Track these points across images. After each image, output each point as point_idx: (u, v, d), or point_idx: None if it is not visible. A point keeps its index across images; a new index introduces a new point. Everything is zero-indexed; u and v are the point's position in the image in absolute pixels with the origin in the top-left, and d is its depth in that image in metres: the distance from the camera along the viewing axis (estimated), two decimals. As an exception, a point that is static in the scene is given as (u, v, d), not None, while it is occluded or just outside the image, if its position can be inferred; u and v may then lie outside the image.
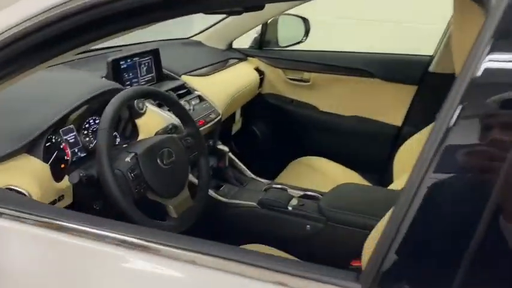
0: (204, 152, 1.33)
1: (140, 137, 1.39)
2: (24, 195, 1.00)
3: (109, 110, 1.07)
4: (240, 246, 1.39)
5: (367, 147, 2.11)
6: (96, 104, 1.27)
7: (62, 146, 1.21)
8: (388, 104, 2.05)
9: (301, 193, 1.60)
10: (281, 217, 1.46)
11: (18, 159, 1.05)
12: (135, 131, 1.41)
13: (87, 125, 1.28)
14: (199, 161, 1.32)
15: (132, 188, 1.07)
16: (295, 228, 1.45)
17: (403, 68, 2.03)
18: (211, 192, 1.55)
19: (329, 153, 1.99)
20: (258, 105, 2.29)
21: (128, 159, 1.10)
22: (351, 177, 1.85)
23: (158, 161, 1.15)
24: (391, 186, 1.59)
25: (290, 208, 1.46)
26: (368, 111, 2.10)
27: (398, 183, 1.56)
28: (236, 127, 2.22)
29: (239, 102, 2.07)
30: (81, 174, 1.06)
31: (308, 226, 1.42)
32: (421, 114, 1.97)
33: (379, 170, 2.03)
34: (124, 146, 1.28)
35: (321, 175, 1.88)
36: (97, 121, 1.28)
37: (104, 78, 1.51)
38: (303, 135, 2.26)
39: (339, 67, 2.09)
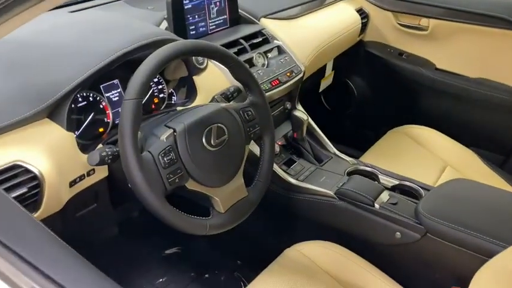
0: (270, 128, 1.04)
1: (197, 100, 1.14)
2: (34, 174, 0.81)
3: (139, 75, 0.81)
4: (308, 242, 1.14)
5: (492, 121, 1.75)
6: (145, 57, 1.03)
7: (102, 106, 1.03)
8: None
9: (396, 182, 1.26)
10: (364, 215, 1.13)
11: (35, 126, 0.86)
12: (194, 89, 1.16)
13: None
14: (262, 140, 1.03)
15: (164, 177, 0.83)
16: (381, 233, 1.12)
17: None
18: (278, 170, 1.26)
19: (439, 123, 1.69)
20: (357, 56, 1.95)
21: (163, 137, 0.86)
22: (465, 156, 1.57)
23: (204, 141, 0.89)
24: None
25: (377, 206, 1.13)
26: (502, 75, 1.68)
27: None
28: (325, 82, 1.86)
29: (332, 53, 1.72)
30: (103, 154, 0.84)
31: (398, 234, 1.09)
32: None
33: (503, 152, 1.74)
34: (176, 109, 1.06)
35: (425, 151, 1.58)
36: None
37: (164, 21, 1.25)
38: (410, 97, 1.91)
39: (469, 13, 1.66)
